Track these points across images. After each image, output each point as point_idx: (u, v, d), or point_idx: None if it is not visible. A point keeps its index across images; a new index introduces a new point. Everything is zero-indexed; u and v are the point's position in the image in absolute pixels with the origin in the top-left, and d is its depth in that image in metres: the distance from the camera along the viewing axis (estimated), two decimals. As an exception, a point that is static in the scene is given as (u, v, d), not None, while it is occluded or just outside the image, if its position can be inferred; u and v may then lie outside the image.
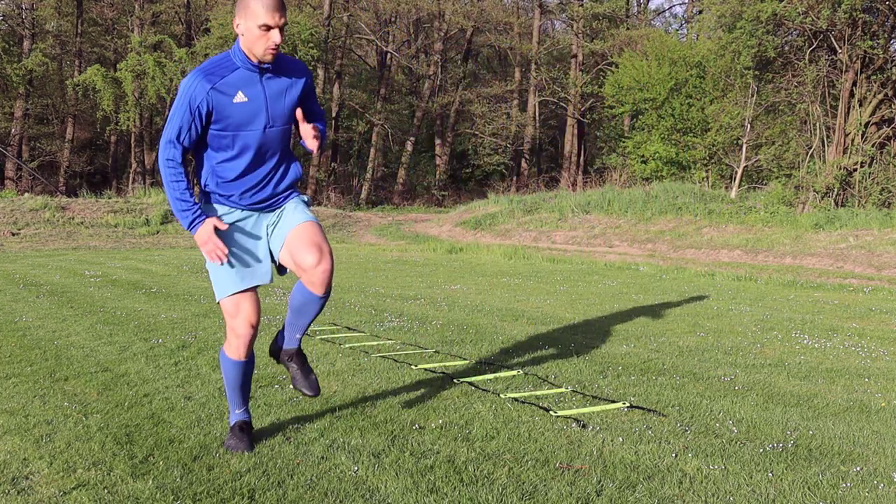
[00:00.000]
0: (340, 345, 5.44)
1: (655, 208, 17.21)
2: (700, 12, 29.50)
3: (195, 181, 3.40)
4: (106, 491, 2.81)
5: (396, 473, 2.98)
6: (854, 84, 16.05)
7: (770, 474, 3.03)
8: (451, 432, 3.47)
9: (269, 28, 3.03)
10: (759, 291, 9.48)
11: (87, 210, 19.83)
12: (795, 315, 7.37)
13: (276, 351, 3.47)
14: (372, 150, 35.55)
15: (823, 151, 16.70)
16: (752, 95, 19.10)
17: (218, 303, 3.27)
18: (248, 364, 3.29)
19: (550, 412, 3.76)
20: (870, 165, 16.03)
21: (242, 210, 3.29)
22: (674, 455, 3.22)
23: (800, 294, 9.26)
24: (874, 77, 16.08)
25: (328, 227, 21.53)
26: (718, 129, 21.31)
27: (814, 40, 16.65)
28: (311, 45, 27.27)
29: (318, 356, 5.02)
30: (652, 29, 33.36)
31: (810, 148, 16.96)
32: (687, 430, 3.55)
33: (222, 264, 3.19)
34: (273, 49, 3.08)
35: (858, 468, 3.11)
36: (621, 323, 6.64)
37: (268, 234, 3.32)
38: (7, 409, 3.78)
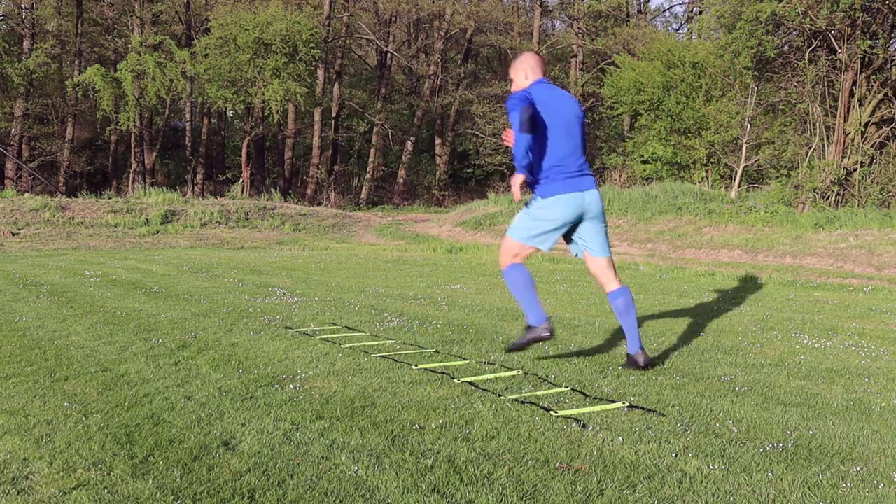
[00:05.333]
0: (340, 345, 5.44)
1: (655, 208, 17.22)
2: (700, 12, 29.51)
3: None
4: (106, 491, 2.81)
5: (396, 473, 2.98)
6: (854, 84, 16.05)
7: (770, 474, 3.03)
8: (451, 432, 3.47)
9: None
10: (759, 291, 9.48)
11: (87, 210, 19.84)
12: (795, 315, 7.37)
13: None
14: (372, 150, 35.56)
15: (823, 151, 16.70)
16: (752, 95, 19.11)
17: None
18: None
19: (550, 412, 3.76)
20: (869, 165, 16.03)
21: None
22: (674, 455, 3.22)
23: (800, 294, 9.27)
24: (874, 77, 16.08)
25: (328, 227, 21.53)
26: (717, 129, 21.32)
27: (813, 40, 16.65)
28: (312, 45, 27.26)
29: (317, 356, 5.02)
30: (652, 29, 33.37)
31: (810, 148, 16.96)
32: (687, 430, 3.55)
33: None
34: None
35: (858, 468, 3.11)
36: (621, 323, 6.64)
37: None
38: (7, 409, 3.78)
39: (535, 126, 4.37)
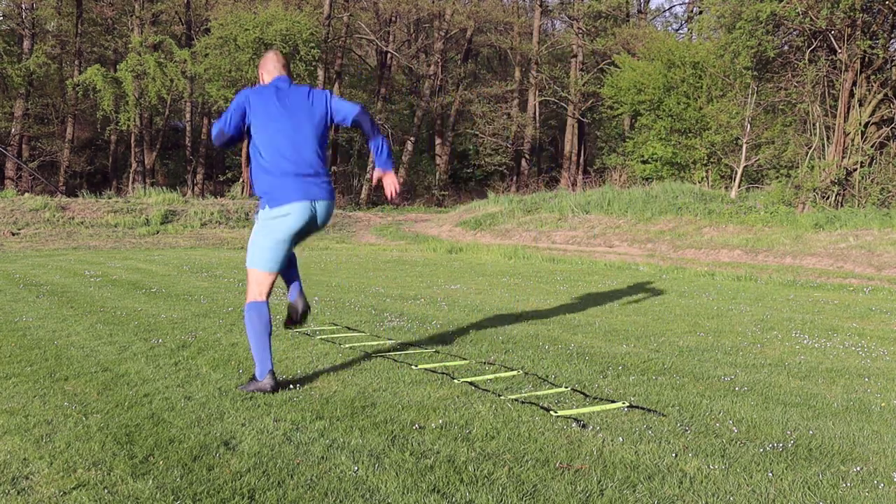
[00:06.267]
0: (340, 345, 5.44)
1: (655, 208, 17.22)
2: (700, 12, 29.52)
3: None
4: (106, 491, 2.81)
5: (396, 473, 2.98)
6: (854, 84, 16.05)
7: (770, 474, 3.03)
8: (451, 432, 3.47)
9: None
10: (759, 291, 9.48)
11: (87, 210, 19.84)
12: (795, 315, 7.38)
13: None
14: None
15: (823, 151, 16.70)
16: (752, 95, 19.11)
17: None
18: None
19: (550, 412, 3.76)
20: (869, 165, 16.03)
21: None
22: (674, 455, 3.22)
23: (800, 294, 9.27)
24: (874, 77, 16.08)
25: (328, 227, 21.53)
26: (717, 129, 21.33)
27: (813, 40, 16.66)
28: (312, 44, 27.26)
29: (318, 356, 5.02)
30: (652, 29, 33.37)
31: (810, 148, 16.96)
32: (687, 430, 3.55)
33: None
34: None
35: (858, 468, 3.11)
36: (621, 323, 6.65)
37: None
38: (7, 409, 3.78)
39: (232, 138, 4.19)
